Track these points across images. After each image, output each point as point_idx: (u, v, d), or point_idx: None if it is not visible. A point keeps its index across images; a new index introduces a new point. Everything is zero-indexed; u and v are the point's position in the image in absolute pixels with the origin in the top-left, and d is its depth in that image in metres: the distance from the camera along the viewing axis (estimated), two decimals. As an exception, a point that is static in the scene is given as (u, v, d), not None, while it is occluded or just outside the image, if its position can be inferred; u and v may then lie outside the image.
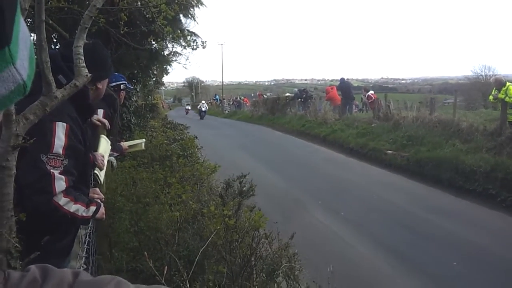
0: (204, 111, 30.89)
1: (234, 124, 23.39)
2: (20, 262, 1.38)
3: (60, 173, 1.69)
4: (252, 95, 45.17)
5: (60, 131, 1.73)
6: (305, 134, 15.79)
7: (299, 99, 21.43)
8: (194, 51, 7.60)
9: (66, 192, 1.70)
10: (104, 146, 3.27)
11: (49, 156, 1.68)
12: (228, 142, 14.93)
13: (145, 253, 2.03)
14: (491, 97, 9.98)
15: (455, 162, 8.25)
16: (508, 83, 9.41)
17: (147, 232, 3.29)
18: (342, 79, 18.30)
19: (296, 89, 25.45)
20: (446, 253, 5.02)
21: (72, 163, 1.76)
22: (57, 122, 1.74)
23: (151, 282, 2.19)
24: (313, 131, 15.42)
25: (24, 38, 0.35)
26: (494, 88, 9.71)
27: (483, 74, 46.66)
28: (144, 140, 4.20)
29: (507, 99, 9.20)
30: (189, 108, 40.40)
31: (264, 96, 33.47)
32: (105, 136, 3.40)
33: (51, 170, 1.67)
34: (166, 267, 2.26)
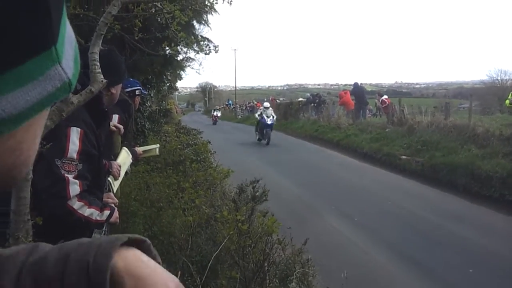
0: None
1: (246, 129, 23.42)
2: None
3: (74, 178, 1.72)
4: (265, 99, 45.21)
5: (75, 136, 1.76)
6: (318, 139, 15.74)
7: (312, 104, 21.40)
8: (207, 55, 7.67)
9: (80, 196, 1.73)
10: (124, 157, 3.31)
11: (63, 161, 1.71)
12: (241, 147, 14.95)
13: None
14: (507, 101, 9.87)
15: (471, 167, 8.13)
16: (525, 87, 9.27)
17: (161, 237, 3.31)
18: (355, 84, 18.24)
19: (309, 94, 25.38)
20: (461, 260, 4.94)
21: (86, 168, 1.78)
22: (71, 127, 1.77)
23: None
24: (326, 136, 15.36)
25: (70, 38, 0.36)
26: (511, 92, 9.58)
27: (499, 78, 46.08)
28: (158, 145, 4.23)
29: (523, 103, 9.08)
30: (218, 114, 32.25)
31: (277, 100, 33.47)
32: (126, 149, 3.45)
33: (66, 175, 1.70)
34: (179, 271, 2.26)
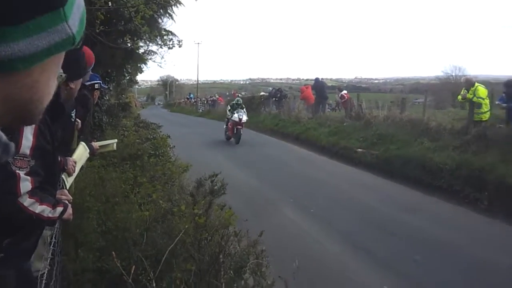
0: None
1: (207, 123, 23.30)
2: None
3: (26, 174, 1.68)
4: (227, 94, 45.03)
5: (28, 131, 1.72)
6: (278, 133, 15.91)
7: (274, 98, 21.56)
8: (170, 50, 7.56)
9: (31, 193, 1.69)
10: (81, 152, 3.25)
11: (15, 157, 1.67)
12: (201, 141, 14.87)
13: (113, 252, 2.05)
14: (459, 96, 10.33)
15: (423, 160, 8.50)
16: (476, 84, 9.78)
17: (115, 232, 3.29)
18: (316, 79, 18.51)
19: (271, 88, 25.55)
20: (412, 249, 5.17)
21: (39, 164, 1.74)
22: None
23: (118, 281, 2.20)
24: (287, 130, 15.56)
25: (79, 4, 0.47)
26: (464, 88, 10.06)
27: (453, 74, 47.98)
28: (116, 140, 4.18)
29: (474, 99, 9.56)
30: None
31: (239, 95, 33.46)
32: (84, 143, 3.39)
33: (17, 171, 1.66)
34: (133, 266, 2.28)
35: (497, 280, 4.39)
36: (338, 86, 28.17)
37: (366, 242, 5.39)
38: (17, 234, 1.83)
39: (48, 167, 1.85)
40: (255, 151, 12.72)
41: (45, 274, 3.01)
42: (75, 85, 2.14)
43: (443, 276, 4.50)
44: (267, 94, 23.10)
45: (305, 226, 5.99)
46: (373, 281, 4.44)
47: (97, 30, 4.84)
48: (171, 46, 6.53)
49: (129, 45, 7.25)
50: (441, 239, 5.50)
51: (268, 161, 10.96)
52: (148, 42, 7.97)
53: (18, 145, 1.67)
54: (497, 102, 9.98)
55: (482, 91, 9.67)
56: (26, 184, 1.68)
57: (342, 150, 11.23)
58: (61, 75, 1.73)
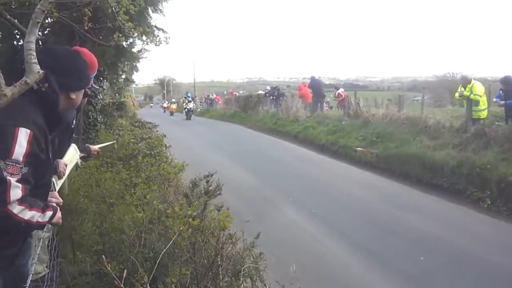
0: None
1: (206, 122, 23.25)
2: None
3: (17, 181, 1.62)
4: (225, 93, 44.98)
5: (23, 137, 1.65)
6: (277, 131, 15.85)
7: (271, 97, 21.50)
8: (162, 46, 7.42)
9: (21, 201, 1.63)
10: (71, 154, 3.18)
11: (7, 162, 1.60)
12: (199, 140, 14.81)
13: (103, 256, 1.96)
14: (457, 94, 10.27)
15: (423, 158, 8.43)
16: (473, 81, 9.71)
17: (112, 234, 3.20)
18: (312, 77, 18.49)
19: (268, 87, 25.49)
20: (413, 249, 5.11)
21: (31, 172, 1.68)
22: (20, 128, 1.65)
23: (115, 285, 2.12)
24: (285, 128, 15.50)
25: None
26: (460, 85, 9.99)
27: (450, 72, 47.89)
28: (115, 141, 4.12)
29: (472, 96, 9.49)
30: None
31: (237, 94, 33.42)
32: (75, 145, 3.31)
33: (8, 177, 1.60)
34: (125, 270, 2.20)
35: (499, 279, 4.32)
36: (335, 84, 28.16)
37: (368, 242, 5.32)
38: (4, 240, 1.76)
39: (40, 175, 1.77)
40: (254, 150, 12.65)
41: (45, 277, 2.95)
42: (77, 96, 2.05)
43: (442, 275, 4.44)
44: (265, 92, 23.04)
45: (307, 227, 5.91)
46: (374, 280, 4.37)
47: (86, 27, 4.73)
48: (157, 43, 6.38)
49: (121, 42, 7.14)
50: (441, 238, 5.43)
51: (268, 160, 10.90)
52: (138, 40, 7.85)
53: (10, 151, 1.62)
54: (494, 99, 9.92)
55: (479, 88, 9.61)
56: (16, 192, 1.62)
57: (342, 149, 11.17)
58: (39, 72, 1.69)
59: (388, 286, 4.26)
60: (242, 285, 2.51)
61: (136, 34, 5.22)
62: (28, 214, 1.67)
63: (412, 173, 8.40)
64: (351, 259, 4.90)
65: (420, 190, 7.80)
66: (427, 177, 8.05)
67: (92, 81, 4.33)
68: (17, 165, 1.62)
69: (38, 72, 1.73)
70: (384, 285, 4.28)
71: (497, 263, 4.67)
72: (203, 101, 36.46)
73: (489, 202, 6.65)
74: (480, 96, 9.54)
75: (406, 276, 4.43)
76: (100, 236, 3.33)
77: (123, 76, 13.69)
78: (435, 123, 10.17)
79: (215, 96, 34.99)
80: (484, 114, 9.66)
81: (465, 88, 9.66)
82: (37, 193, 1.78)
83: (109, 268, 1.96)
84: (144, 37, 5.88)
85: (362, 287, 4.31)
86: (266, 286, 2.52)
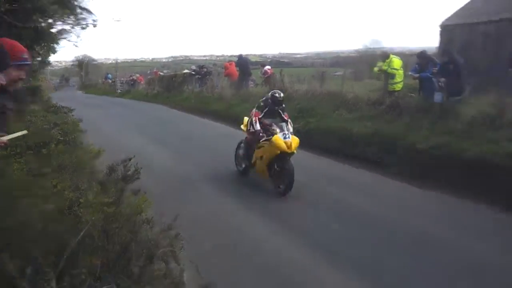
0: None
1: (127, 103, 22.35)
2: None
3: None
4: (149, 72, 43.47)
5: None
6: (202, 111, 15.67)
7: (197, 76, 21.14)
8: (83, 30, 6.95)
9: None
10: None
11: None
12: (119, 123, 14.22)
13: (1, 253, 1.83)
14: (376, 68, 10.85)
15: (341, 131, 8.83)
16: (391, 56, 10.30)
17: (15, 229, 2.99)
18: (240, 55, 18.43)
19: (194, 66, 24.98)
20: (329, 218, 5.37)
21: None
22: None
23: (12, 284, 1.99)
24: (210, 107, 15.38)
25: None
26: (380, 60, 10.56)
27: (371, 47, 50.00)
28: (25, 131, 3.79)
29: (389, 70, 10.09)
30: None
31: (161, 73, 32.41)
32: None
33: None
34: (29, 267, 2.08)
35: (409, 241, 4.68)
36: (262, 62, 28.32)
37: (284, 214, 5.51)
38: None
39: None
40: (177, 131, 12.41)
41: None
42: None
43: (356, 241, 4.70)
44: (190, 71, 22.57)
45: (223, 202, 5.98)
46: (284, 248, 4.52)
47: (2, 9, 4.29)
48: (84, 26, 5.96)
49: (40, 24, 6.61)
50: (356, 205, 5.79)
51: (192, 140, 10.78)
52: (59, 21, 7.31)
53: None
54: (409, 73, 10.59)
55: (396, 62, 10.22)
56: None
57: (265, 126, 11.27)
58: None
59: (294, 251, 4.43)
60: (156, 269, 2.47)
61: (62, 16, 4.83)
62: None
63: (331, 146, 8.76)
64: (262, 229, 5.02)
65: (339, 161, 8.17)
66: (345, 149, 8.46)
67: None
68: None
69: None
70: (292, 252, 4.41)
71: (404, 223, 5.12)
72: (124, 82, 34.79)
73: (397, 169, 7.17)
74: (397, 70, 10.19)
75: (320, 244, 4.61)
76: (2, 233, 3.10)
77: (39, 59, 12.70)
78: (354, 97, 10.61)
79: (137, 76, 33.60)
80: (399, 86, 10.30)
81: (384, 63, 10.24)
82: None
83: (11, 266, 1.85)
84: (72, 20, 5.47)
85: (274, 257, 4.37)
86: (181, 267, 2.52)
